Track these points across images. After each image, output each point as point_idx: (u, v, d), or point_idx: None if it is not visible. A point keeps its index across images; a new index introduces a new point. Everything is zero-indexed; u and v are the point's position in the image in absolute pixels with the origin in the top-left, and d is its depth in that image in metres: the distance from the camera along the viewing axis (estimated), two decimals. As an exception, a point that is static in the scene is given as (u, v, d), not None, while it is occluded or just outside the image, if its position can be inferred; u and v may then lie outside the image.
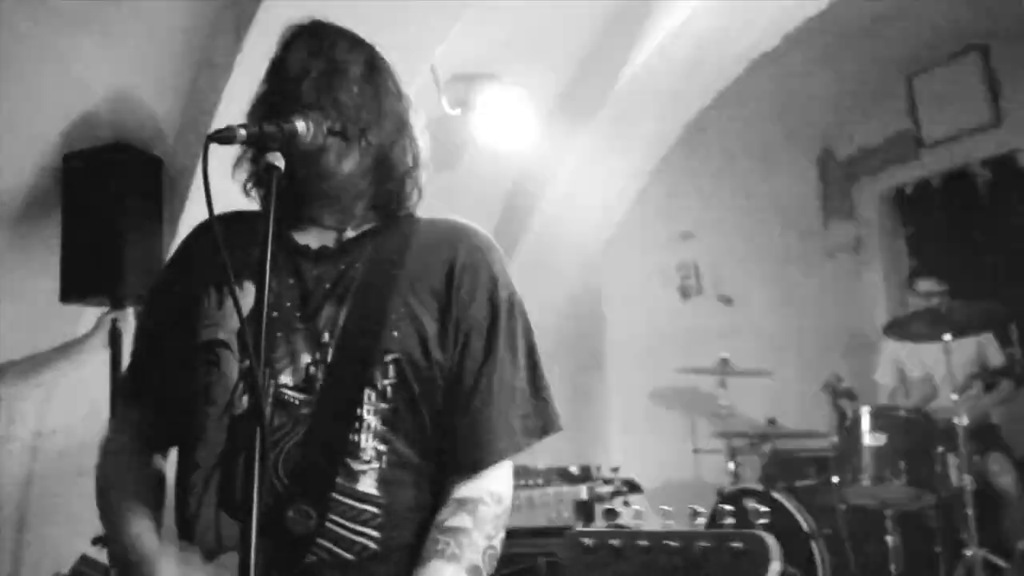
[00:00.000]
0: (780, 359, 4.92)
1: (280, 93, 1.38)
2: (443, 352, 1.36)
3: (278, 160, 1.22)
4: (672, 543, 0.95)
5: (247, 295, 1.31)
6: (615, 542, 0.99)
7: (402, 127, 1.42)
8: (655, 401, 5.13)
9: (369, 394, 1.31)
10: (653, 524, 1.00)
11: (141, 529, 1.36)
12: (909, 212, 5.67)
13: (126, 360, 3.25)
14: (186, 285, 1.43)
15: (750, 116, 5.17)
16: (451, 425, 1.37)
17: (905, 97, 5.40)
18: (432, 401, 1.36)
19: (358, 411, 1.30)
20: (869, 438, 3.77)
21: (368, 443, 1.30)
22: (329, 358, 1.32)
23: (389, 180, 1.41)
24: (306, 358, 1.33)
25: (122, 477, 1.45)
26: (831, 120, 5.60)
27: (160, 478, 1.47)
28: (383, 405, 1.32)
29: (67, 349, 3.13)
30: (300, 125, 1.27)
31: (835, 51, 4.93)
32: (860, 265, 5.62)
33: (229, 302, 1.35)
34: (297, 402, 1.31)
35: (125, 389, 1.57)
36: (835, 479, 3.89)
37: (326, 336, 1.34)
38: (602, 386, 5.26)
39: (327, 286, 1.37)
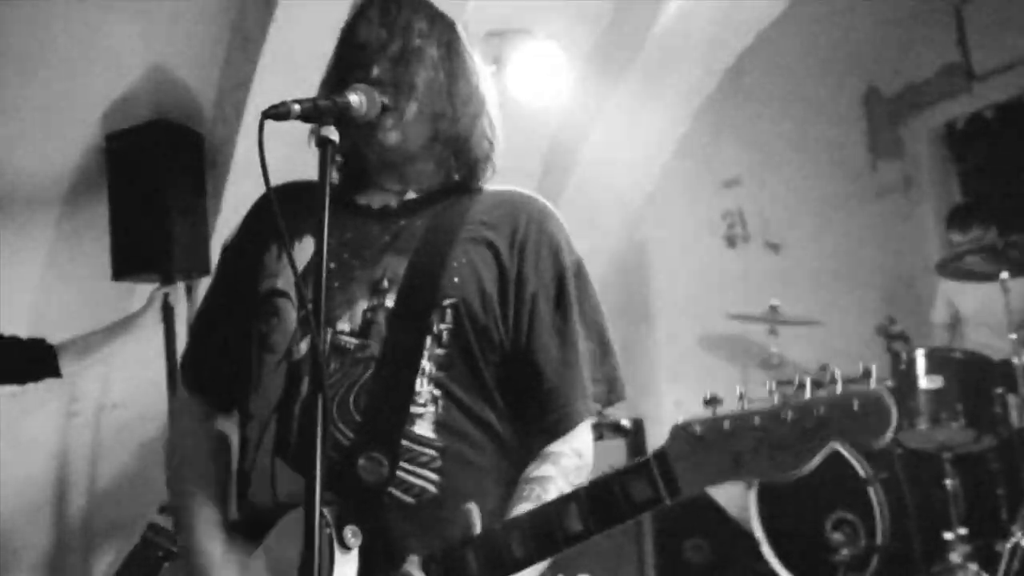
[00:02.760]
0: (831, 304, 4.84)
1: (351, 65, 1.39)
2: (503, 311, 1.37)
3: (332, 134, 1.24)
4: (790, 414, 0.93)
5: (306, 249, 1.36)
6: (727, 425, 0.97)
7: (479, 110, 1.44)
8: (704, 347, 5.09)
9: (427, 339, 1.32)
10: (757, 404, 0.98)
11: (199, 521, 1.38)
12: (961, 148, 5.50)
13: (180, 333, 3.35)
14: (251, 244, 1.47)
15: (791, 57, 5.03)
16: (524, 390, 1.39)
17: (954, 27, 5.20)
18: (487, 352, 1.36)
19: (419, 355, 1.32)
20: (925, 381, 3.71)
21: (424, 387, 1.31)
22: (389, 303, 1.34)
23: (467, 164, 1.45)
24: (363, 304, 1.34)
25: (188, 448, 1.47)
26: (876, 56, 5.43)
27: (225, 442, 1.50)
28: (438, 351, 1.33)
29: (121, 325, 3.20)
30: (354, 99, 1.28)
31: (878, -17, 4.77)
32: (911, 205, 5.49)
33: (287, 255, 1.36)
34: (351, 347, 1.32)
35: (189, 353, 1.58)
36: (891, 423, 3.84)
37: (385, 283, 1.35)
38: (651, 339, 5.23)
39: (387, 238, 1.39)
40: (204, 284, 3.57)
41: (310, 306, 1.17)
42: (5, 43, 2.92)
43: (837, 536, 3.73)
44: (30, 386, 3.13)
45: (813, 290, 4.96)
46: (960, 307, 4.49)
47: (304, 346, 1.34)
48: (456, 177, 1.47)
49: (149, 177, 3.20)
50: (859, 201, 5.40)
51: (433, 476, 1.31)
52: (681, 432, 1.03)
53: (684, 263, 5.19)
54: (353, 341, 1.33)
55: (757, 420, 0.97)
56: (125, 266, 3.24)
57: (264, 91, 3.05)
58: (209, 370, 1.50)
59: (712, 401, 1.02)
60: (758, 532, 4.00)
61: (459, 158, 1.45)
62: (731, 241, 5.34)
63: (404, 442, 1.30)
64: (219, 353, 1.49)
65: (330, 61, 1.45)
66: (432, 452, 1.31)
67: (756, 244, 5.31)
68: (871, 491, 3.74)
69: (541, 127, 4.20)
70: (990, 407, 3.64)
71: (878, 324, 4.16)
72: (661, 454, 1.08)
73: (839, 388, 0.95)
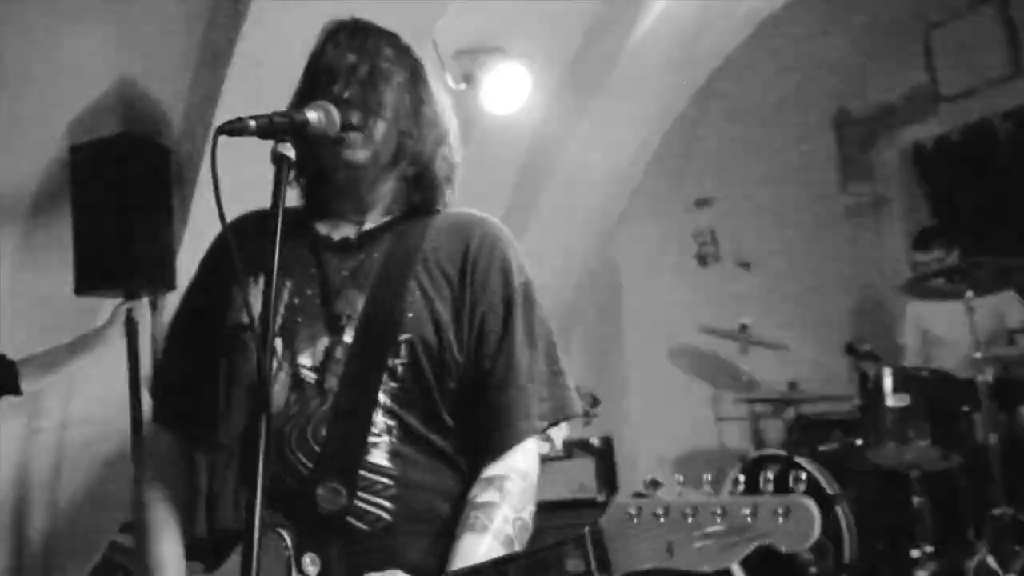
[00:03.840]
0: (801, 323, 4.88)
1: (318, 86, 1.42)
2: (456, 335, 1.41)
3: (288, 150, 1.25)
4: (717, 510, 0.98)
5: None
6: (661, 512, 1.01)
7: (443, 134, 1.48)
8: (675, 361, 5.10)
9: (383, 374, 1.36)
10: (693, 495, 1.01)
11: (158, 542, 1.42)
12: (929, 169, 5.57)
13: (144, 348, 3.31)
14: (215, 278, 1.49)
15: (762, 78, 5.09)
16: (472, 409, 1.42)
17: (922, 51, 5.29)
18: (443, 381, 1.40)
19: (376, 390, 1.35)
20: (892, 399, 3.73)
21: (379, 417, 1.35)
22: (347, 339, 1.38)
23: (427, 186, 1.48)
24: (324, 341, 1.38)
25: (154, 473, 1.50)
26: (846, 78, 5.50)
27: (192, 466, 1.52)
28: (393, 384, 1.37)
29: (84, 341, 3.16)
30: (312, 115, 1.30)
31: (848, 6, 4.83)
32: (881, 225, 5.54)
33: (254, 288, 1.40)
34: (312, 381, 1.37)
35: (157, 387, 1.61)
36: (859, 442, 3.86)
37: (344, 320, 1.39)
38: (622, 358, 5.25)
39: (346, 274, 1.42)
40: (169, 299, 3.54)
41: (258, 329, 1.20)
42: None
43: (805, 555, 3.72)
44: (-9, 402, 3.08)
45: (784, 309, 4.99)
46: (929, 327, 4.53)
47: (275, 378, 1.38)
48: (415, 199, 1.49)
49: (114, 190, 3.15)
50: (830, 221, 5.45)
51: (387, 504, 1.34)
52: (619, 511, 1.06)
53: (655, 281, 5.22)
54: (313, 376, 1.37)
55: (689, 511, 1.01)
56: (88, 281, 3.19)
57: (231, 105, 3.03)
58: (177, 405, 1.53)
59: (653, 484, 1.06)
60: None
61: (420, 180, 1.48)
62: (702, 260, 5.38)
63: (364, 473, 1.34)
64: (186, 388, 1.51)
65: (299, 84, 1.47)
66: (387, 480, 1.35)
67: (727, 263, 5.35)
68: (839, 509, 3.75)
69: (513, 146, 4.21)
70: (956, 425, 3.67)
71: (846, 343, 4.19)
72: (597, 531, 1.10)
73: (767, 496, 1.00)
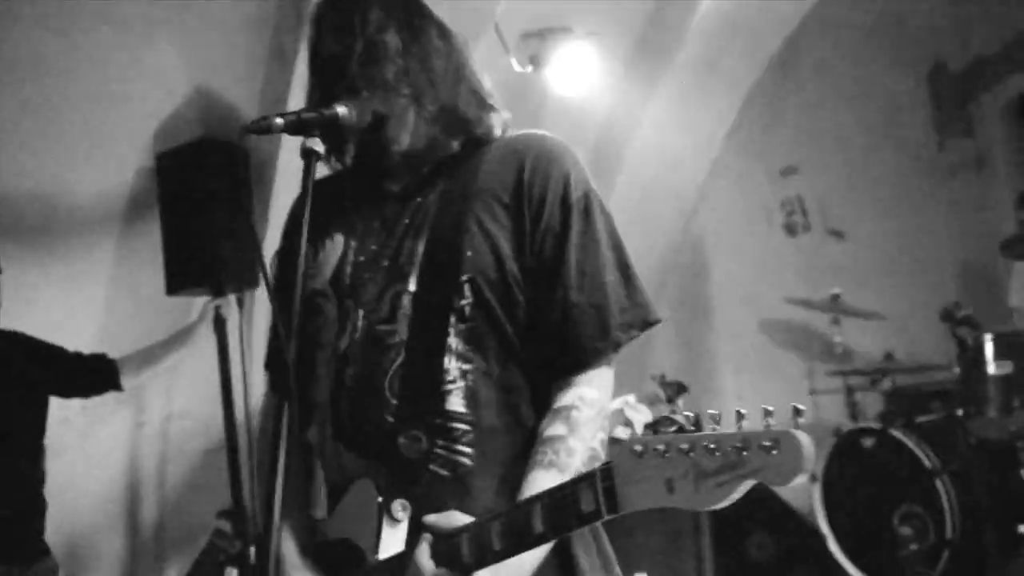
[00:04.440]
0: (898, 292, 4.67)
1: (323, 81, 1.40)
2: (520, 263, 1.37)
3: (316, 145, 1.26)
4: (711, 444, 0.95)
5: (337, 246, 1.44)
6: (660, 446, 0.99)
7: (459, 77, 1.42)
8: (766, 333, 4.97)
9: (450, 317, 1.35)
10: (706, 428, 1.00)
11: (290, 527, 1.43)
12: (1035, 121, 5.23)
13: (233, 344, 3.44)
14: (293, 247, 1.48)
15: (848, 37, 4.87)
16: (541, 334, 1.37)
17: (1022, -4, 4.96)
18: (513, 315, 1.37)
19: (445, 335, 1.34)
20: (994, 367, 3.55)
21: (452, 363, 1.35)
22: (412, 287, 1.37)
23: (464, 127, 1.42)
24: (391, 292, 1.39)
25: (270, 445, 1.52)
26: (941, 30, 5.21)
27: (307, 455, 1.52)
28: (462, 325, 1.35)
29: (177, 338, 3.31)
30: (341, 110, 1.29)
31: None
32: (983, 185, 5.24)
33: (322, 254, 1.44)
34: (382, 333, 1.37)
35: (268, 357, 1.62)
36: (959, 412, 3.69)
37: (407, 267, 1.39)
38: (711, 332, 5.15)
39: (406, 221, 1.42)
40: (255, 296, 3.67)
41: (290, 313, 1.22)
42: (56, 73, 3.06)
43: (905, 530, 3.60)
44: (97, 399, 3.27)
45: (879, 278, 4.79)
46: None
47: (345, 340, 1.40)
48: (454, 138, 1.44)
49: (197, 193, 3.30)
50: (927, 183, 5.18)
51: (467, 449, 1.34)
52: (626, 448, 1.03)
53: (742, 255, 5.09)
54: (384, 328, 1.37)
55: (687, 447, 0.98)
56: (178, 281, 3.35)
57: (302, 103, 3.11)
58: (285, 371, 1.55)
59: (666, 420, 1.04)
60: (824, 527, 3.89)
61: (452, 122, 1.42)
62: (791, 230, 5.20)
63: (441, 420, 1.34)
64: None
65: (309, 78, 1.46)
66: (464, 426, 1.35)
67: (817, 232, 5.15)
68: (939, 483, 3.60)
69: (584, 127, 4.18)
70: (1065, 393, 3.46)
71: (942, 309, 3.99)
72: (607, 469, 1.07)
73: (757, 429, 0.94)
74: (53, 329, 3.12)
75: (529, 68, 3.62)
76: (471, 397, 1.35)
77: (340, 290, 1.42)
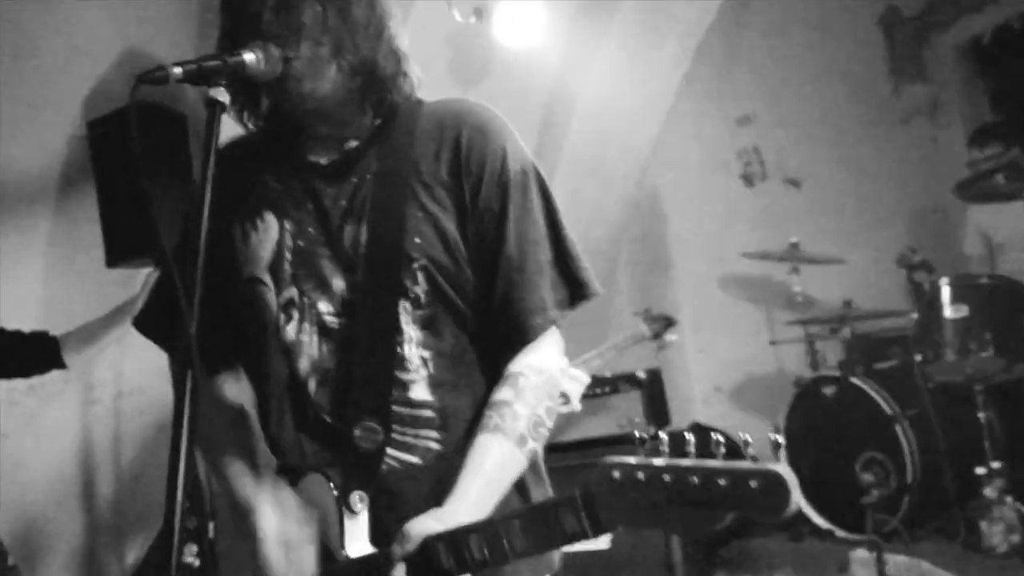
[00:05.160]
0: (856, 239, 4.67)
1: (236, 27, 1.33)
2: (465, 243, 1.37)
3: (221, 95, 1.18)
4: (695, 478, 0.96)
5: (269, 228, 1.40)
6: (641, 475, 1.00)
7: (380, 31, 1.36)
8: (726, 290, 4.96)
9: (404, 304, 1.34)
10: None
11: (234, 474, 1.42)
12: (989, 64, 5.22)
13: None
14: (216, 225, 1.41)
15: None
16: (487, 309, 1.38)
17: (974, -65, 4.92)
18: (466, 295, 1.37)
19: (397, 323, 1.33)
20: (950, 310, 3.55)
21: (412, 351, 1.34)
22: (360, 277, 1.34)
23: (381, 88, 1.37)
24: (339, 282, 1.36)
25: (211, 425, 1.47)
26: (893, -28, 5.17)
27: (243, 413, 1.50)
28: (419, 312, 1.34)
29: (119, 312, 3.18)
30: (249, 57, 1.22)
31: None
32: (938, 130, 5.24)
33: (254, 236, 1.39)
34: (338, 326, 1.35)
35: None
36: (918, 357, 3.70)
37: (352, 256, 1.35)
38: (670, 286, 5.12)
39: (344, 204, 1.37)
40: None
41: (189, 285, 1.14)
42: (-26, 38, 2.90)
43: (867, 477, 3.62)
44: (47, 378, 3.15)
45: (837, 225, 4.79)
46: (992, 233, 4.29)
47: (291, 329, 1.38)
48: (374, 103, 1.38)
49: (133, 161, 3.17)
50: (882, 129, 5.17)
51: (435, 434, 1.35)
52: (604, 473, 1.04)
53: (700, 206, 5.06)
54: (335, 321, 1.36)
55: (668, 477, 0.99)
56: (117, 252, 3.24)
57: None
58: (215, 352, 1.47)
59: (644, 441, 1.03)
60: (787, 475, 3.90)
61: (371, 84, 1.36)
62: (748, 180, 5.17)
63: (402, 409, 1.33)
64: (219, 334, 1.45)
65: (220, 24, 1.37)
66: (429, 413, 1.35)
67: (775, 182, 5.13)
68: (899, 429, 3.62)
69: (535, 78, 4.07)
70: (1021, 333, 3.47)
71: (899, 255, 3.99)
72: (587, 493, 1.07)
73: (745, 462, 0.95)
74: (-8, 308, 3.01)
75: (472, 19, 3.51)
76: (435, 383, 1.35)
77: (280, 278, 1.38)
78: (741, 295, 4.98)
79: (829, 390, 3.89)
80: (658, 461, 0.99)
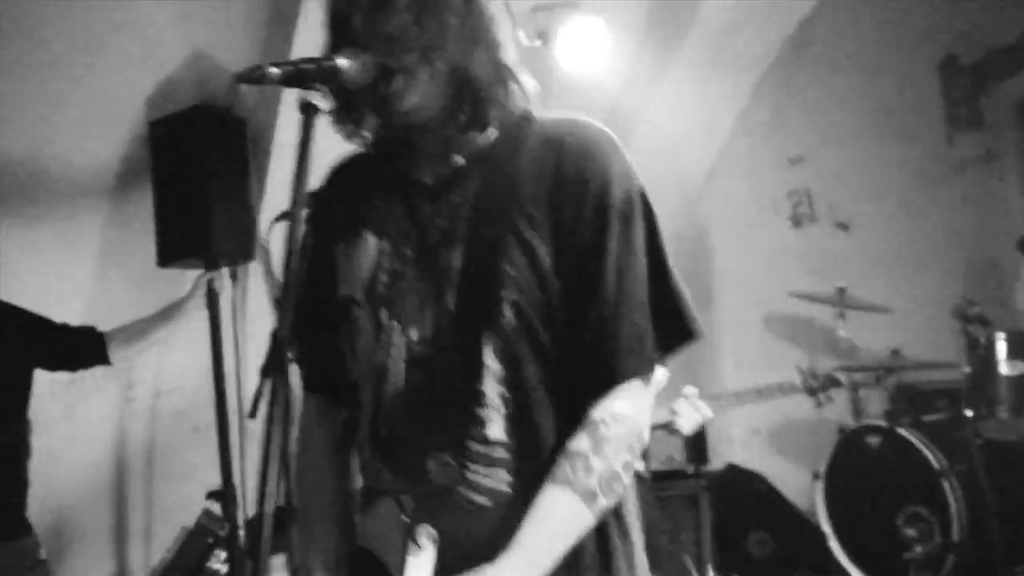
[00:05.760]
0: (904, 286, 4.59)
1: (332, 35, 1.31)
2: (560, 278, 1.28)
3: (316, 99, 1.16)
4: None
5: (368, 247, 1.35)
6: None
7: (475, 38, 1.29)
8: (770, 331, 4.88)
9: (490, 337, 1.27)
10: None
11: (313, 519, 1.40)
12: (1048, 117, 5.15)
13: (225, 318, 3.33)
14: (319, 243, 1.41)
15: (860, 24, 4.77)
16: (578, 349, 1.30)
17: (1040, -11, 4.86)
18: (555, 334, 1.29)
19: (481, 357, 1.27)
20: (1006, 366, 3.47)
21: (492, 387, 1.27)
22: (451, 304, 1.29)
23: (477, 99, 1.29)
24: (430, 310, 1.31)
25: (307, 447, 1.46)
26: (954, 22, 5.12)
27: (347, 478, 1.47)
28: (504, 347, 1.27)
29: (167, 312, 3.19)
30: (342, 62, 1.19)
31: (956, -56, 4.47)
32: (991, 179, 5.15)
33: (355, 256, 1.36)
34: (425, 356, 1.30)
35: (299, 355, 1.48)
36: (968, 412, 3.61)
37: (444, 284, 1.30)
38: (713, 325, 5.06)
39: (442, 225, 1.32)
40: (249, 269, 3.57)
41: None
42: (47, 36, 2.94)
43: (910, 532, 3.52)
44: (87, 372, 3.16)
45: (886, 272, 4.71)
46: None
47: (383, 356, 1.33)
48: (473, 117, 1.31)
49: (192, 163, 3.19)
50: (935, 177, 5.09)
51: (507, 477, 1.28)
52: None
53: (747, 243, 5.00)
54: (424, 350, 1.31)
55: None
56: (170, 253, 3.25)
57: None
58: (320, 370, 1.47)
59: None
60: (826, 526, 3.82)
61: (466, 93, 1.30)
62: (797, 221, 5.11)
63: (476, 445, 1.28)
64: (324, 354, 1.44)
65: (325, 33, 1.34)
66: (504, 453, 1.28)
67: (824, 224, 5.06)
68: (946, 484, 3.52)
69: (592, 106, 4.05)
70: (1079, 395, 3.38)
71: (954, 305, 3.90)
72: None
73: None
74: (40, 300, 3.01)
75: (538, 42, 3.51)
76: (513, 422, 1.28)
77: (375, 300, 1.34)
78: (784, 336, 4.90)
79: (874, 440, 3.80)
80: None
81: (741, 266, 5.00)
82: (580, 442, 1.26)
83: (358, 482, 1.42)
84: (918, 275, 4.73)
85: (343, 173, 1.42)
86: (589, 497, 1.24)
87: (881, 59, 4.97)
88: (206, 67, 3.26)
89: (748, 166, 4.91)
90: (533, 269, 1.27)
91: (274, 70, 1.14)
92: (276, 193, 3.39)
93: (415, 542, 1.26)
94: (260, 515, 1.00)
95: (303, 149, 1.14)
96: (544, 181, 1.30)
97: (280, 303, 1.12)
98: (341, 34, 1.28)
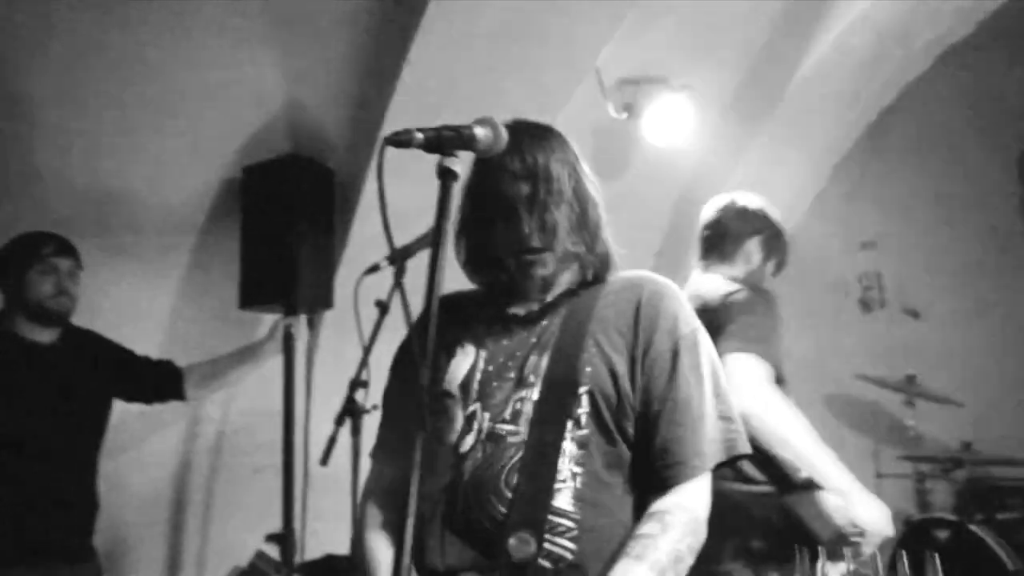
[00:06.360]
0: (975, 377, 4.50)
1: (494, 214, 1.54)
2: (632, 384, 1.50)
3: (454, 164, 1.28)
4: None
5: (469, 355, 1.57)
6: None
7: (600, 216, 1.59)
8: (833, 410, 4.80)
9: (568, 423, 1.46)
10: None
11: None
12: (1124, 214, 5.05)
13: (299, 363, 3.38)
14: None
15: (938, 113, 4.77)
16: (645, 449, 1.49)
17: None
18: (623, 428, 1.49)
19: (561, 440, 1.45)
20: (1085, 465, 3.36)
21: (565, 464, 1.44)
22: (535, 396, 1.48)
23: (599, 264, 1.61)
24: (515, 397, 1.50)
25: (372, 513, 1.62)
26: (1034, 115, 5.09)
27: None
28: (578, 432, 1.46)
29: (244, 353, 3.27)
30: (480, 131, 1.33)
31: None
32: (1066, 277, 5.06)
33: (454, 360, 1.57)
34: (504, 433, 1.47)
35: (380, 435, 1.72)
36: (1043, 513, 3.50)
37: (532, 378, 1.50)
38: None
39: (533, 340, 1.55)
40: (326, 317, 3.63)
41: (425, 351, 1.30)
42: (154, 75, 3.06)
43: (976, 634, 3.39)
44: (158, 406, 3.24)
45: (957, 362, 4.62)
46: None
47: (469, 440, 1.49)
48: (589, 273, 1.61)
49: (280, 210, 3.28)
50: (1010, 269, 5.02)
51: (570, 545, 1.41)
52: None
53: (814, 324, 4.94)
54: (505, 428, 1.48)
55: None
56: (252, 296, 3.32)
57: (395, 129, 3.09)
58: (394, 452, 1.62)
59: None
60: None
61: (591, 257, 1.59)
62: (867, 305, 5.06)
63: (547, 515, 1.41)
64: (401, 439, 1.56)
65: (463, 209, 1.59)
66: (570, 524, 1.41)
67: (893, 309, 5.01)
68: (1019, 586, 3.40)
69: (672, 179, 4.11)
70: None
71: (1030, 401, 3.81)
72: None
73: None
74: (120, 330, 3.10)
75: (624, 115, 3.58)
76: (579, 497, 1.43)
77: (468, 395, 1.53)
78: (848, 419, 4.81)
79: (943, 534, 3.69)
80: None
81: (808, 347, 4.93)
82: (649, 527, 1.43)
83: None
84: (991, 368, 4.64)
85: (445, 303, 1.56)
86: (659, 570, 1.38)
87: (958, 150, 4.96)
88: (301, 118, 3.36)
89: (821, 246, 4.89)
90: (608, 371, 1.49)
91: (419, 135, 1.25)
92: (357, 246, 3.46)
93: None
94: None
95: (441, 213, 1.25)
96: (625, 310, 1.55)
97: (415, 354, 1.18)
98: (495, 215, 1.55)
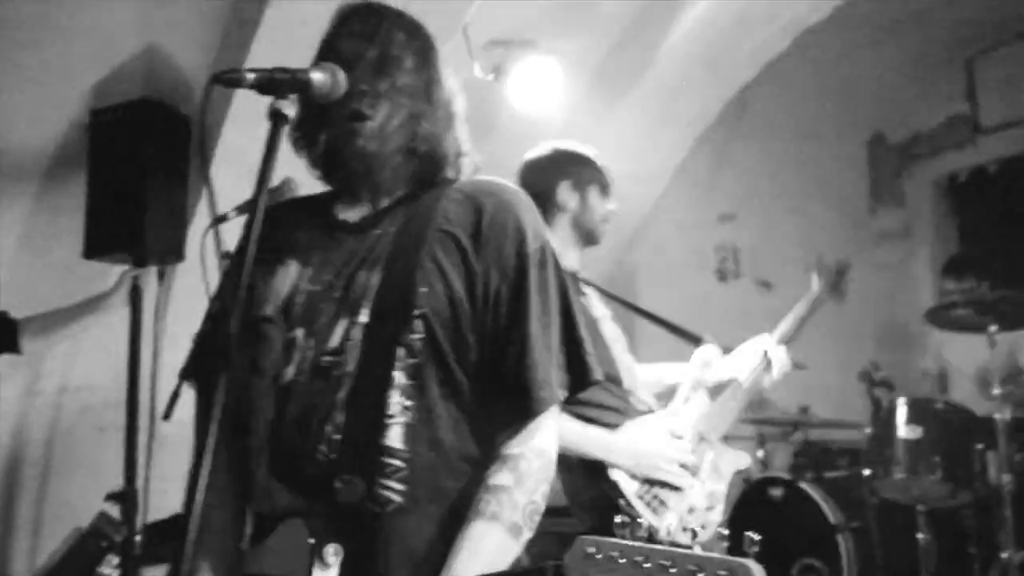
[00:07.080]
0: (818, 346, 4.75)
1: (320, 52, 1.43)
2: (472, 306, 1.37)
3: (286, 107, 1.23)
4: (666, 561, 0.96)
5: (290, 273, 1.43)
6: (615, 553, 1.00)
7: (450, 119, 1.46)
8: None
9: (399, 351, 1.33)
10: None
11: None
12: (962, 200, 5.45)
13: (147, 318, 3.26)
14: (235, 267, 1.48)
15: (797, 94, 4.99)
16: (490, 382, 1.38)
17: (964, 79, 5.17)
18: (461, 355, 1.37)
19: (390, 370, 1.32)
20: (905, 430, 3.64)
21: (395, 398, 1.32)
22: (363, 319, 1.35)
23: (436, 164, 1.46)
24: (343, 324, 1.36)
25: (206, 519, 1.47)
26: (884, 102, 5.39)
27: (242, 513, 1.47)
28: (410, 361, 1.34)
29: (89, 306, 3.13)
30: (316, 76, 1.28)
31: (890, 29, 4.72)
32: (907, 253, 5.43)
33: (273, 280, 1.43)
34: (328, 365, 1.34)
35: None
36: (867, 471, 3.77)
37: (359, 300, 1.37)
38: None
39: (362, 255, 1.41)
40: (178, 270, 3.51)
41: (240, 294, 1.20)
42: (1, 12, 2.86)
43: (803, 584, 3.64)
44: (-7, 360, 3.07)
45: (804, 332, 4.88)
46: (949, 359, 4.43)
47: (290, 371, 1.37)
48: (425, 174, 1.47)
49: (131, 157, 3.13)
50: (855, 245, 5.32)
51: (399, 487, 1.32)
52: (579, 548, 1.03)
53: (672, 293, 5.12)
54: (331, 360, 1.35)
55: (642, 558, 0.99)
56: (97, 245, 3.17)
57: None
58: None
59: (624, 524, 1.02)
60: (757, 571, 3.90)
61: (430, 157, 1.45)
62: (722, 275, 5.28)
63: (375, 455, 1.32)
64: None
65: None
66: (398, 463, 1.32)
67: (747, 281, 5.24)
68: (840, 539, 3.66)
69: (538, 142, 4.13)
70: (969, 462, 3.56)
71: (861, 370, 4.09)
72: (558, 567, 1.06)
73: (715, 555, 0.97)
74: (-47, 280, 2.92)
75: (491, 76, 3.58)
76: (411, 433, 1.33)
77: (290, 319, 1.40)
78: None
79: (777, 492, 3.93)
80: (635, 543, 0.99)
81: (664, 313, 5.11)
82: (503, 477, 1.33)
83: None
84: (832, 337, 4.92)
85: (280, 210, 1.50)
86: (515, 531, 1.32)
87: (814, 130, 5.21)
88: (158, 62, 3.21)
89: (681, 217, 5.06)
90: (446, 291, 1.36)
91: (250, 75, 1.21)
92: (216, 196, 3.35)
93: (323, 560, 1.27)
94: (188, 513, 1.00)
95: (268, 154, 1.21)
96: (466, 221, 1.40)
97: (225, 303, 1.14)
98: (326, 52, 1.40)
